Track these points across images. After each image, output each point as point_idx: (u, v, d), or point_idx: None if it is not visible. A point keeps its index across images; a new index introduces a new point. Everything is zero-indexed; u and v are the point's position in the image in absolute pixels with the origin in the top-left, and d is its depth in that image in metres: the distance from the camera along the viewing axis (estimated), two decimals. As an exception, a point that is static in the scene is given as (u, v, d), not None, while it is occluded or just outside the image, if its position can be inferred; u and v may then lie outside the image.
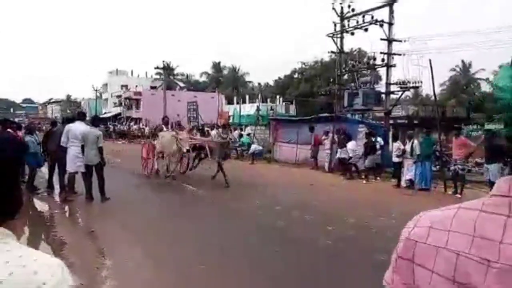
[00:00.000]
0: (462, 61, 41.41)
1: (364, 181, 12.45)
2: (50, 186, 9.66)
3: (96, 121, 9.98)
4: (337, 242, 5.89)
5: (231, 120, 35.33)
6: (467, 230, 0.71)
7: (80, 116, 9.33)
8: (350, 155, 13.16)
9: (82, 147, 8.26)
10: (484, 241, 0.68)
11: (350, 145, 13.33)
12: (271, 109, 35.59)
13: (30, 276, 0.79)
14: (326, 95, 30.16)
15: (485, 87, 37.85)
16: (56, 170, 9.28)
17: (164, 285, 4.49)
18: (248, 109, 37.43)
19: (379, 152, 12.91)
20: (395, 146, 11.94)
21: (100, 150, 8.38)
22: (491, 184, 9.74)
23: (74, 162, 8.33)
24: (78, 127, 8.51)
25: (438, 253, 0.72)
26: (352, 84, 20.03)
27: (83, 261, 5.02)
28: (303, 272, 4.77)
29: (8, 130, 8.80)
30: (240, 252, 5.49)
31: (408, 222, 0.84)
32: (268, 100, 43.43)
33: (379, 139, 13.26)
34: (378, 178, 12.95)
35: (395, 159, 11.87)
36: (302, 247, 5.69)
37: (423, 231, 0.77)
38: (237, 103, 39.60)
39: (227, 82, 59.41)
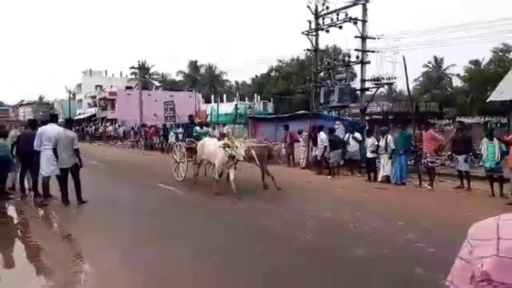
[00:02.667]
0: (435, 57, 42.55)
1: (329, 177, 12.64)
2: (23, 190, 9.41)
3: (69, 123, 9.75)
4: (315, 238, 5.98)
5: (209, 119, 35.19)
6: None
7: (53, 118, 9.12)
8: (325, 144, 13.28)
9: (54, 150, 8.05)
10: None
11: (322, 135, 13.51)
12: (249, 107, 35.69)
13: None
14: (303, 92, 30.42)
15: (457, 82, 39.00)
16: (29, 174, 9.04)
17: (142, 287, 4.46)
18: (226, 107, 37.39)
19: (356, 148, 13.08)
20: (369, 142, 12.15)
21: (76, 152, 8.22)
22: (459, 174, 10.24)
23: (48, 165, 8.15)
24: (51, 130, 8.32)
25: None
26: (328, 82, 20.27)
27: (60, 265, 4.93)
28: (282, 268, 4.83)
29: None
30: (225, 250, 5.50)
31: (471, 235, 0.74)
32: (246, 98, 43.49)
33: (357, 134, 13.44)
34: (350, 173, 13.18)
35: (369, 155, 12.10)
36: (280, 243, 5.75)
37: None
38: (215, 102, 39.48)
39: (204, 81, 59.11)
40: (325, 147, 13.20)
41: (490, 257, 0.68)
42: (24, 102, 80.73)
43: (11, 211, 8.41)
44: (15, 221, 7.65)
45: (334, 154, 12.94)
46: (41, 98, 75.82)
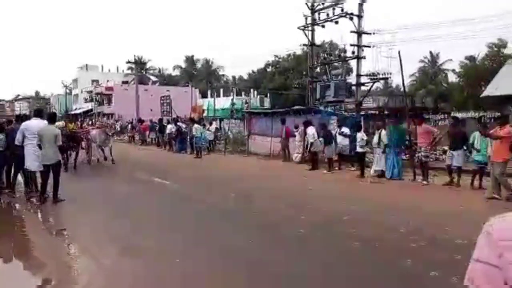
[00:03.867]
0: (430, 52, 42.60)
1: (324, 171, 12.73)
2: (10, 186, 9.33)
3: (52, 118, 8.98)
4: (312, 230, 6.05)
5: (205, 114, 35.17)
6: None
7: (37, 113, 8.97)
8: (311, 140, 13.39)
9: (39, 145, 7.93)
10: None
11: (309, 130, 13.59)
12: (246, 102, 35.65)
13: None
14: (299, 87, 30.47)
15: (452, 78, 39.08)
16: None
17: (137, 280, 4.52)
18: (223, 102, 37.35)
19: (345, 143, 13.13)
20: (358, 137, 12.20)
21: (59, 149, 8.10)
22: (449, 170, 10.14)
23: (33, 161, 8.02)
24: (35, 125, 8.19)
25: None
26: (324, 77, 20.34)
27: (54, 260, 4.98)
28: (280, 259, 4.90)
29: None
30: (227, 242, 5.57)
31: (493, 235, 0.68)
32: (243, 93, 43.46)
33: (344, 129, 13.47)
34: (338, 168, 13.17)
35: (358, 149, 12.16)
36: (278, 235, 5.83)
37: None
38: (211, 96, 39.42)
39: (201, 75, 58.98)
40: (311, 143, 13.31)
41: None
42: (20, 97, 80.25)
43: (4, 206, 8.43)
44: (9, 217, 7.68)
45: (328, 149, 13.01)
46: (37, 93, 75.47)
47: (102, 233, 6.16)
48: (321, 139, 13.31)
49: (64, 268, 4.72)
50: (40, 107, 12.40)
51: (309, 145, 13.57)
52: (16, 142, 8.15)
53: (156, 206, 8.15)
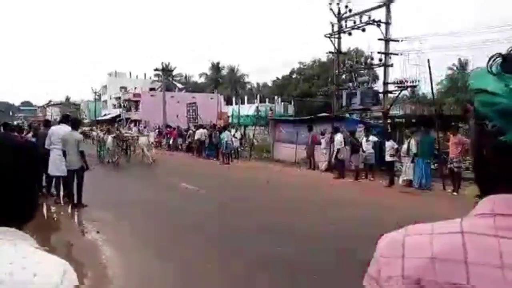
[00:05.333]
0: (459, 59, 41.62)
1: (351, 180, 12.60)
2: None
3: (75, 124, 9.09)
4: (336, 240, 6.04)
5: (230, 121, 35.45)
6: (494, 260, 0.58)
7: (63, 119, 9.20)
8: (338, 147, 13.29)
9: (64, 151, 8.09)
10: None
11: (337, 136, 13.48)
12: (270, 109, 35.74)
13: (29, 278, 0.80)
14: (324, 95, 30.33)
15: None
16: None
17: (169, 283, 4.64)
18: (247, 109, 37.54)
19: (371, 151, 12.93)
20: (388, 146, 12.03)
21: (82, 154, 8.12)
22: None
23: (57, 166, 8.13)
24: (60, 130, 8.40)
25: None
26: (350, 84, 20.21)
27: (91, 261, 5.16)
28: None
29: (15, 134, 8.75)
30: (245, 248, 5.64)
31: (379, 250, 0.71)
32: (267, 100, 43.56)
33: (372, 137, 13.30)
34: (372, 178, 12.96)
35: (388, 158, 11.97)
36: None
37: (423, 263, 0.62)
38: (236, 103, 39.70)
39: (226, 82, 59.49)
40: (338, 149, 13.21)
41: (397, 277, 0.64)
42: (51, 103, 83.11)
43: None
44: (44, 219, 7.96)
45: (355, 157, 12.90)
46: (67, 99, 77.94)
47: (136, 237, 6.34)
48: (347, 146, 13.22)
49: (100, 269, 4.90)
50: (66, 113, 12.72)
51: (335, 152, 13.48)
52: (46, 146, 8.37)
53: (189, 212, 8.30)
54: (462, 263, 0.59)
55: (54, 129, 8.67)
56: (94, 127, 33.85)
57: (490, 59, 0.67)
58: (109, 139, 16.37)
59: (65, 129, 8.54)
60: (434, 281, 0.60)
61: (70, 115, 13.31)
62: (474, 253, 0.60)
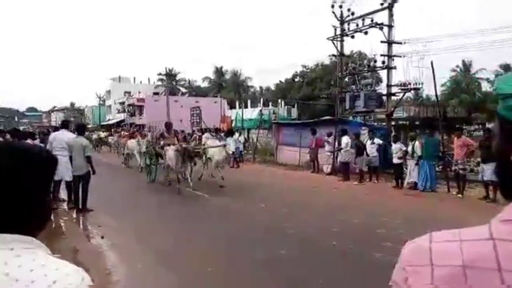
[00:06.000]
0: (463, 61, 41.45)
1: (355, 182, 12.59)
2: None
3: (80, 129, 9.13)
4: (341, 243, 6.03)
5: (233, 124, 35.48)
6: None
7: (63, 125, 9.21)
8: (344, 149, 13.28)
9: (70, 157, 8.09)
10: None
11: (344, 138, 13.50)
12: (273, 112, 35.77)
13: (50, 285, 0.83)
14: (327, 98, 30.32)
15: (486, 87, 37.90)
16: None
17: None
18: (250, 113, 37.59)
19: (375, 154, 12.93)
20: (396, 148, 12.02)
21: (89, 159, 8.12)
22: (485, 185, 9.73)
23: (64, 172, 8.07)
24: (62, 136, 8.40)
25: None
26: (353, 87, 20.16)
27: (95, 266, 5.18)
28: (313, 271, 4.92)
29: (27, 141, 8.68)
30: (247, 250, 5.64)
31: (404, 257, 0.69)
32: (270, 103, 43.59)
33: (377, 140, 13.33)
34: (376, 180, 12.94)
35: (396, 161, 11.96)
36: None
37: (454, 271, 0.60)
38: (239, 107, 39.78)
39: (229, 86, 59.62)
40: (347, 151, 13.23)
41: (426, 285, 0.62)
42: (56, 108, 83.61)
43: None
44: (50, 225, 8.01)
45: (359, 160, 12.90)
46: (72, 104, 78.38)
47: (141, 242, 6.35)
48: (352, 149, 13.20)
49: (105, 275, 4.91)
50: (67, 119, 12.56)
51: (341, 154, 13.47)
52: None
53: (194, 216, 8.32)
54: (496, 271, 0.57)
55: (55, 135, 8.68)
56: (114, 132, 32.08)
57: None
58: (170, 152, 10.87)
59: (68, 135, 8.55)
60: None
61: (71, 120, 13.31)
62: (506, 260, 0.57)
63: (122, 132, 26.59)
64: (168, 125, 12.80)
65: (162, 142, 12.12)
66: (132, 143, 16.97)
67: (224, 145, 11.40)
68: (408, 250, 0.69)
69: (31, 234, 0.93)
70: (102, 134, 32.23)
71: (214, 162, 11.61)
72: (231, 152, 11.80)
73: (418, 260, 0.65)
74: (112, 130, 36.35)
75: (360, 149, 12.92)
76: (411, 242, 0.71)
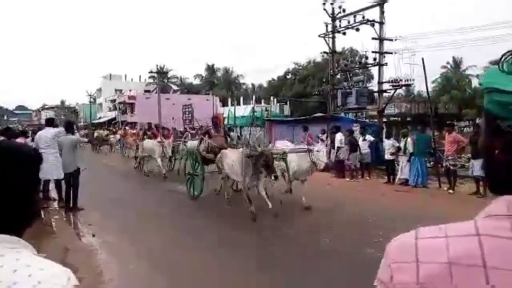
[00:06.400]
0: (453, 58, 41.80)
1: (347, 179, 12.64)
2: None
3: (69, 126, 8.95)
4: (334, 240, 6.04)
5: (226, 122, 35.35)
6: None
7: (47, 123, 9.17)
8: (338, 145, 13.36)
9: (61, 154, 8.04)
10: None
11: (338, 135, 13.57)
12: (266, 110, 35.77)
13: (34, 286, 0.80)
14: (319, 95, 30.37)
15: (476, 83, 38.26)
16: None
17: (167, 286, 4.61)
18: (243, 110, 37.55)
19: (367, 150, 13.04)
20: (389, 144, 12.10)
21: (89, 140, 8.02)
22: (476, 180, 9.83)
23: (52, 170, 7.98)
24: (46, 133, 8.35)
25: None
26: (345, 84, 20.23)
27: (86, 265, 5.13)
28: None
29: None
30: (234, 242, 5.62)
31: (389, 254, 0.68)
32: (262, 101, 43.60)
33: (368, 136, 13.42)
34: (368, 177, 13.03)
35: (388, 157, 12.04)
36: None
37: (438, 268, 0.60)
38: (232, 104, 39.72)
39: (221, 84, 59.50)
40: (339, 148, 13.29)
41: (410, 284, 0.61)
42: (46, 106, 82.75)
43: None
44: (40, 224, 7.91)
45: (353, 156, 12.95)
46: (62, 102, 77.64)
47: (133, 240, 6.30)
48: (346, 146, 13.26)
49: (96, 273, 4.86)
50: (51, 117, 12.14)
51: (335, 151, 13.53)
52: None
53: (186, 214, 8.28)
54: (481, 268, 0.57)
55: (40, 133, 8.59)
56: (118, 130, 27.84)
57: (502, 57, 0.65)
58: (233, 158, 8.17)
59: (50, 131, 8.42)
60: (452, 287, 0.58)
61: (55, 118, 13.11)
62: (492, 257, 0.58)
63: (129, 130, 23.27)
64: (216, 120, 10.37)
65: (204, 143, 9.47)
66: (150, 143, 13.86)
67: (309, 150, 8.19)
68: (393, 247, 0.68)
69: (19, 233, 0.91)
70: (103, 132, 29.09)
71: (292, 173, 8.34)
72: (323, 163, 8.16)
73: (404, 257, 0.64)
74: (116, 128, 33.21)
75: (353, 145, 12.97)
76: (397, 238, 0.69)
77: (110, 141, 26.01)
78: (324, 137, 14.88)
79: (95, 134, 28.17)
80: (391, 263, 0.66)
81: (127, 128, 25.94)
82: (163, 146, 13.09)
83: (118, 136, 24.58)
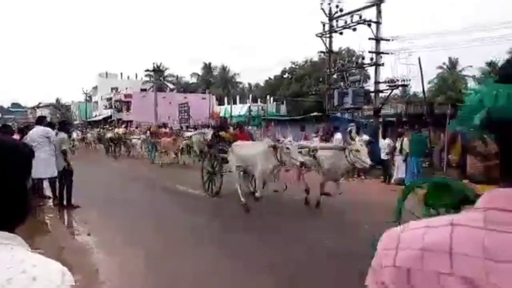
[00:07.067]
0: (449, 58, 42.00)
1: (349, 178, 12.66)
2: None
3: (62, 125, 9.05)
4: (329, 239, 6.05)
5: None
6: (476, 252, 0.62)
7: (37, 121, 9.14)
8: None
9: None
10: (503, 266, 0.59)
11: (337, 135, 13.56)
12: (262, 109, 35.75)
13: (29, 282, 0.79)
14: (316, 94, 30.41)
15: (472, 84, 38.45)
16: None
17: (161, 286, 4.60)
18: (239, 109, 37.54)
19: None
20: (385, 143, 12.12)
21: (64, 153, 8.00)
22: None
23: (41, 169, 7.79)
24: (35, 132, 8.32)
25: (446, 281, 0.62)
26: (342, 83, 20.30)
27: (81, 264, 5.10)
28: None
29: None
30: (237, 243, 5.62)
31: (381, 244, 0.75)
32: (259, 100, 43.59)
33: (364, 136, 13.40)
34: (364, 176, 13.01)
35: (384, 157, 12.07)
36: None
37: (414, 254, 0.67)
38: (228, 103, 39.68)
39: (217, 82, 59.42)
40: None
41: (389, 267, 0.69)
42: (41, 104, 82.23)
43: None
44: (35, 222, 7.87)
45: None
46: (58, 100, 77.15)
47: (129, 238, 6.28)
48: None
49: (91, 272, 4.84)
50: (42, 116, 11.96)
51: None
52: None
53: (183, 213, 8.26)
54: (447, 254, 0.63)
55: (30, 132, 8.52)
56: (150, 128, 22.48)
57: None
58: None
59: (39, 130, 8.35)
60: (421, 270, 0.65)
61: (46, 116, 12.97)
62: (458, 244, 0.63)
63: (162, 129, 20.24)
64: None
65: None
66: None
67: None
68: (384, 237, 0.75)
69: (11, 230, 0.90)
70: (120, 131, 23.30)
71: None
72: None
73: (389, 244, 0.72)
74: (137, 128, 27.60)
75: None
76: (389, 230, 0.77)
77: (131, 143, 20.95)
78: (318, 137, 14.90)
79: (108, 135, 23.23)
80: (380, 251, 0.73)
81: (159, 127, 22.32)
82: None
83: (143, 136, 20.54)
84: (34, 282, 0.80)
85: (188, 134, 18.38)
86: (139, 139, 20.60)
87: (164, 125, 23.53)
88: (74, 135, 27.14)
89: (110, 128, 27.73)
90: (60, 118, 36.22)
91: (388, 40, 17.64)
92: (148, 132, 20.66)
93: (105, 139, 23.13)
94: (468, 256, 0.62)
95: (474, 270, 0.61)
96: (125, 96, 47.68)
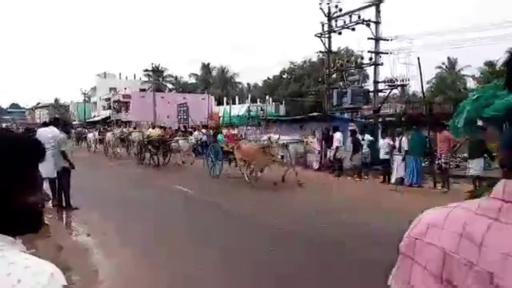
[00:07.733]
0: (448, 58, 42.03)
1: (349, 178, 12.66)
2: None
3: (65, 126, 9.22)
4: (330, 238, 6.03)
5: (221, 121, 35.34)
6: (457, 229, 0.72)
7: (43, 124, 9.20)
8: (337, 144, 13.36)
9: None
10: (469, 243, 0.69)
11: (336, 135, 13.56)
12: (261, 109, 35.73)
13: (14, 284, 0.78)
14: (315, 94, 30.43)
15: (471, 84, 38.47)
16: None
17: (159, 286, 4.58)
18: (238, 109, 37.51)
19: (366, 150, 13.08)
20: (385, 143, 12.13)
21: (63, 154, 8.04)
22: (473, 179, 9.87)
23: (44, 167, 7.94)
24: (44, 132, 8.33)
25: (431, 250, 0.73)
26: (341, 83, 20.31)
27: (80, 264, 5.08)
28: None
29: None
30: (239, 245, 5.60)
31: (414, 221, 0.85)
32: (258, 100, 43.58)
33: (367, 136, 13.45)
34: (366, 176, 13.05)
35: (384, 156, 12.07)
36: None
37: (423, 228, 0.78)
38: (227, 103, 39.66)
39: (216, 83, 59.38)
40: (337, 147, 13.27)
41: (410, 237, 0.81)
42: (40, 105, 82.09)
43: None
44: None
45: (355, 156, 12.87)
46: (56, 101, 77.05)
47: (128, 239, 6.26)
48: (346, 146, 13.25)
49: (90, 272, 4.82)
50: (52, 117, 11.89)
51: (333, 150, 13.55)
52: None
53: (182, 214, 8.24)
54: (440, 229, 0.75)
55: (39, 132, 8.50)
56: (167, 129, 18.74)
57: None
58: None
59: (48, 130, 8.41)
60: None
61: (48, 119, 13.01)
62: (448, 222, 0.75)
63: (229, 130, 15.81)
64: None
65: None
66: None
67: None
68: (417, 218, 0.84)
69: (17, 233, 0.89)
70: (155, 132, 17.60)
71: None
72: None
73: (414, 223, 0.83)
74: (135, 129, 23.79)
75: (356, 146, 12.93)
76: (425, 213, 0.86)
77: (179, 146, 16.61)
78: (317, 136, 14.91)
79: (134, 134, 19.14)
80: (413, 225, 0.83)
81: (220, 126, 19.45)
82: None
83: (203, 137, 17.54)
84: (19, 284, 0.78)
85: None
86: (186, 140, 17.11)
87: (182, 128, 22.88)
88: (90, 135, 25.87)
89: (109, 129, 26.47)
90: (60, 118, 35.87)
91: (387, 40, 17.64)
92: (210, 130, 17.12)
93: (131, 141, 19.03)
94: (452, 232, 0.73)
95: (469, 253, 0.69)
96: (124, 96, 47.58)
